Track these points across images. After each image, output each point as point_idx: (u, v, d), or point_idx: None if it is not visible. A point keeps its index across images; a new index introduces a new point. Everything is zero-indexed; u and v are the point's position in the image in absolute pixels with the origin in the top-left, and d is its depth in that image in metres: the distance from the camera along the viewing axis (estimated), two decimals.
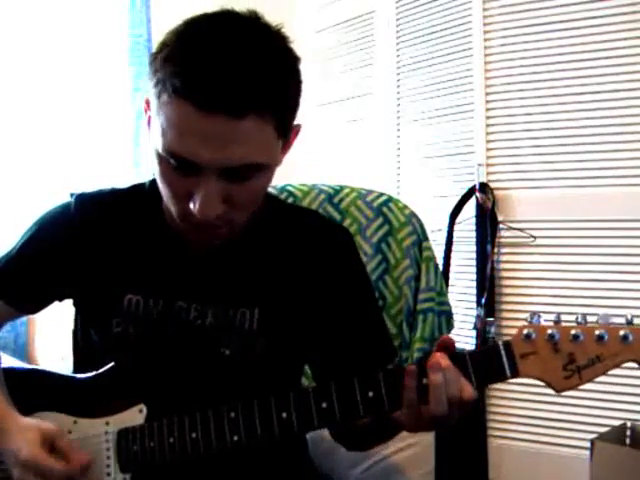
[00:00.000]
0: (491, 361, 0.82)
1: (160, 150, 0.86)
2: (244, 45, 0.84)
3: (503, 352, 0.82)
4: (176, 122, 0.83)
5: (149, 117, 0.92)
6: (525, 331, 0.81)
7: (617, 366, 0.80)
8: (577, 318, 0.81)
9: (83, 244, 1.03)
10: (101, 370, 0.99)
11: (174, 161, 0.86)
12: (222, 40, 0.83)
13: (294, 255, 1.03)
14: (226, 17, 0.87)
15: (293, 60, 0.89)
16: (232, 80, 0.82)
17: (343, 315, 1.03)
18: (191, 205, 0.87)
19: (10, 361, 1.10)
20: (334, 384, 0.86)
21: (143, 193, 1.06)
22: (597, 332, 0.79)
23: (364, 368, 1.01)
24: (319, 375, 1.07)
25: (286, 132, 0.90)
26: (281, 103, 0.87)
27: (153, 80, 0.87)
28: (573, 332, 0.80)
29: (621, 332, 0.79)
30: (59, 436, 0.90)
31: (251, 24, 0.87)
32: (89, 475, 0.90)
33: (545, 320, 0.82)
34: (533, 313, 0.82)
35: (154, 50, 0.89)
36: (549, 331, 0.80)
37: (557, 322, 0.81)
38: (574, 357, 0.80)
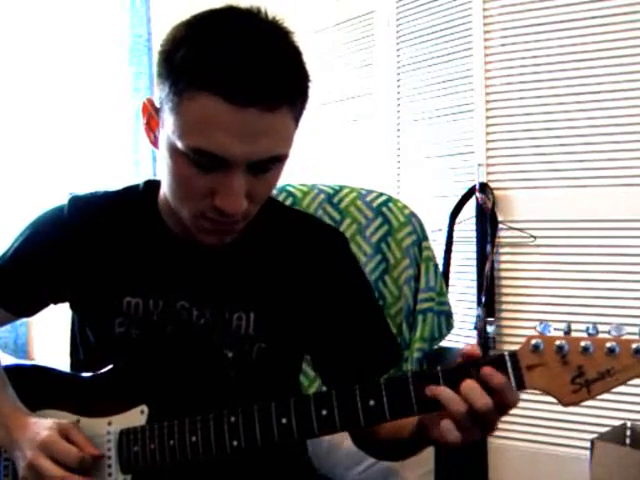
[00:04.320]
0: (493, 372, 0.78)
1: (182, 148, 0.84)
2: (268, 39, 0.84)
3: (509, 363, 0.78)
4: (205, 118, 0.82)
5: (153, 118, 0.91)
6: (533, 342, 0.78)
7: (629, 380, 0.76)
8: (588, 329, 0.76)
9: (77, 246, 1.02)
10: (104, 370, 0.98)
11: (199, 158, 0.84)
12: (247, 36, 0.83)
13: (290, 259, 1.02)
14: (240, 13, 0.87)
15: (301, 52, 0.90)
16: (265, 74, 0.82)
17: (345, 318, 1.02)
18: (217, 201, 0.86)
19: (11, 361, 1.10)
20: (335, 392, 0.84)
21: (137, 194, 1.05)
22: (608, 344, 0.75)
23: (371, 370, 1.01)
24: (329, 380, 1.07)
25: (298, 121, 0.91)
26: (304, 93, 0.89)
27: (169, 78, 0.85)
28: (583, 344, 0.76)
29: (634, 345, 0.74)
30: (73, 429, 0.92)
31: (263, 19, 0.87)
32: (94, 473, 0.91)
33: (555, 329, 0.78)
34: (542, 322, 0.78)
35: (163, 48, 0.87)
36: (558, 342, 0.77)
37: (567, 333, 0.77)
38: (583, 370, 0.76)
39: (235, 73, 0.80)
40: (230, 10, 0.87)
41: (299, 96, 0.87)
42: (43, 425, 0.92)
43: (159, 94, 0.88)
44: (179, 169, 0.87)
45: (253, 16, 0.87)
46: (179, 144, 0.85)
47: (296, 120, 0.89)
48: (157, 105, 0.90)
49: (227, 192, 0.86)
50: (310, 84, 0.89)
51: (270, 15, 0.88)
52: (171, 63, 0.85)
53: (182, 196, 0.90)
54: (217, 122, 0.82)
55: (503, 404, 0.78)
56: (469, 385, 0.78)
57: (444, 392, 0.79)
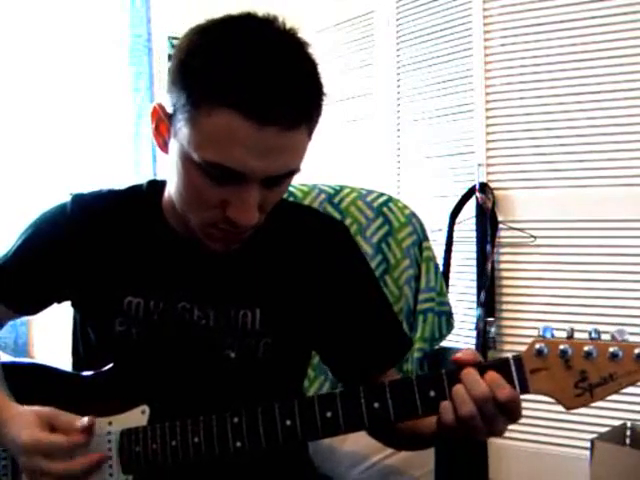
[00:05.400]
0: (501, 376, 0.79)
1: (197, 160, 0.84)
2: (287, 55, 0.83)
3: (513, 367, 0.79)
4: (224, 134, 0.81)
5: (164, 123, 0.90)
6: (537, 346, 0.78)
7: (631, 385, 0.76)
8: (591, 333, 0.77)
9: (80, 245, 1.02)
10: (104, 369, 0.98)
11: (214, 171, 0.84)
12: (266, 50, 0.82)
13: (293, 253, 1.02)
14: (258, 23, 0.86)
15: (317, 65, 0.89)
16: (286, 94, 0.81)
17: (352, 308, 1.02)
18: (229, 213, 0.86)
19: (11, 359, 1.10)
20: (339, 393, 0.84)
21: (141, 194, 1.05)
22: (611, 349, 0.76)
23: (382, 359, 1.02)
24: (339, 373, 1.08)
25: (312, 134, 0.91)
26: (320, 107, 0.89)
27: (185, 89, 0.83)
28: (586, 348, 0.76)
29: (636, 350, 0.75)
30: (55, 415, 0.90)
31: (281, 29, 0.86)
32: (93, 472, 0.89)
33: (557, 331, 0.79)
34: (543, 325, 0.79)
35: (178, 55, 0.85)
36: (562, 347, 0.77)
37: (570, 337, 0.78)
38: (586, 375, 0.77)
39: (256, 90, 0.79)
40: (247, 18, 0.86)
41: (316, 113, 0.88)
42: (22, 423, 0.89)
43: (172, 101, 0.86)
44: (192, 179, 0.87)
45: (271, 26, 0.85)
46: (194, 156, 0.84)
47: (310, 134, 0.89)
48: (169, 111, 0.88)
49: (241, 205, 0.86)
50: (325, 97, 0.88)
51: (287, 24, 0.86)
52: (187, 73, 0.83)
53: (192, 205, 0.90)
54: (235, 138, 0.81)
55: (503, 406, 0.79)
56: (458, 391, 0.79)
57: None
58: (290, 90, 0.82)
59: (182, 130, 0.85)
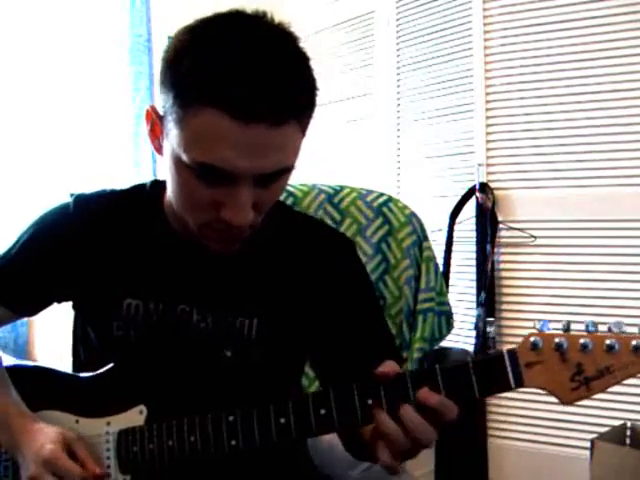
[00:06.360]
0: (495, 370, 0.78)
1: (187, 161, 0.83)
2: (274, 50, 0.82)
3: (508, 361, 0.78)
4: (211, 134, 0.80)
5: (157, 125, 0.90)
6: (532, 339, 0.77)
7: (628, 378, 0.75)
8: (587, 326, 0.76)
9: (81, 245, 1.02)
10: (102, 370, 0.98)
11: (204, 172, 0.83)
12: (252, 47, 0.81)
13: (295, 265, 1.02)
14: (245, 20, 0.85)
15: (309, 60, 0.88)
16: (271, 90, 0.80)
17: (349, 327, 1.01)
18: (223, 213, 0.86)
19: (11, 360, 1.10)
20: (333, 391, 0.84)
21: (144, 195, 1.05)
22: (607, 342, 0.74)
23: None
24: (327, 383, 1.05)
25: (305, 131, 0.90)
26: (312, 106, 0.88)
27: (173, 89, 0.83)
28: (582, 341, 0.75)
29: (633, 342, 0.74)
30: (77, 442, 0.91)
31: (272, 27, 0.85)
32: None
33: (553, 326, 0.78)
34: (540, 320, 0.78)
35: (166, 55, 0.85)
36: (557, 340, 0.76)
37: (566, 330, 0.77)
38: (582, 368, 0.76)
39: (241, 89, 0.79)
40: (235, 16, 0.85)
41: (306, 109, 0.86)
42: (48, 437, 0.90)
43: (163, 103, 0.86)
44: (184, 181, 0.87)
45: (259, 22, 0.84)
46: (184, 157, 0.84)
47: (303, 131, 0.88)
48: (161, 113, 0.88)
49: (233, 205, 0.85)
50: (317, 92, 0.87)
51: (276, 19, 0.85)
52: (174, 74, 0.83)
53: (187, 206, 0.90)
54: (223, 138, 0.80)
55: (439, 421, 0.78)
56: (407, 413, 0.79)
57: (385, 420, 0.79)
58: (275, 86, 0.80)
59: (172, 131, 0.85)
